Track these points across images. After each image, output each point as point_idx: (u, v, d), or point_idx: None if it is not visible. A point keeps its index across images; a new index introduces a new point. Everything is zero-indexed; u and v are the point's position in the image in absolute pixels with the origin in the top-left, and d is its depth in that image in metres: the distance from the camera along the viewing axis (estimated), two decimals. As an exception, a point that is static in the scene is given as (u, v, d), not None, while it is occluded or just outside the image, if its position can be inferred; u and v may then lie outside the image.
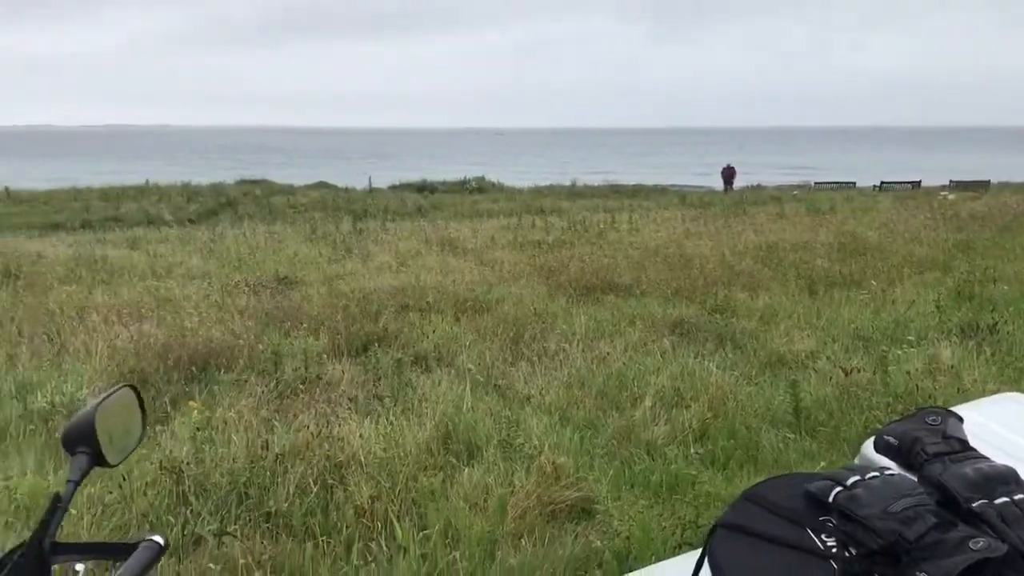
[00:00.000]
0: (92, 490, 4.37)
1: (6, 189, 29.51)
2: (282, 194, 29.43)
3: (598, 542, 3.80)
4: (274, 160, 78.79)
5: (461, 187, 34.25)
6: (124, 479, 4.13)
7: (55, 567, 1.24)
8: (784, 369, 6.90)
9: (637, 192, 34.50)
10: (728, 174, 37.66)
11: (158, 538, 1.33)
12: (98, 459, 1.28)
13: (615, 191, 34.80)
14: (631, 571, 1.75)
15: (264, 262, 12.81)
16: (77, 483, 1.25)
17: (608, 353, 7.20)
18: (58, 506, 1.21)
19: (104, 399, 1.32)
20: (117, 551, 1.32)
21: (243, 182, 34.60)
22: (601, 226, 16.61)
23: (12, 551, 1.21)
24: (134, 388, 1.43)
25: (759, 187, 38.42)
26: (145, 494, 4.11)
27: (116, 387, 1.39)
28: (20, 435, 5.40)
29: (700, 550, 1.39)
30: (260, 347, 7.35)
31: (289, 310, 8.90)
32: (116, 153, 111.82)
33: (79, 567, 1.28)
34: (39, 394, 6.15)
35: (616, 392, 6.17)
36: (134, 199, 26.85)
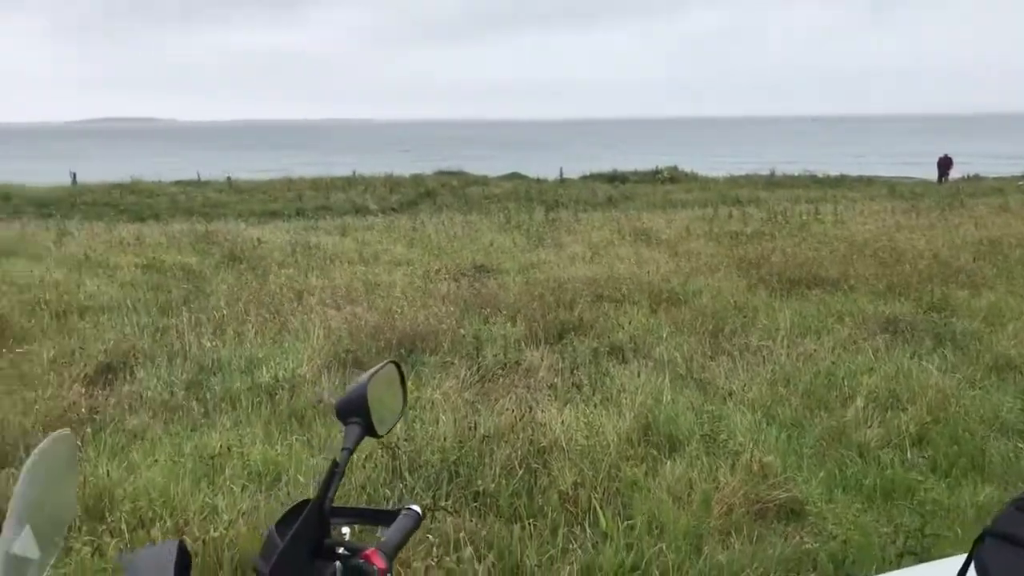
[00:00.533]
0: (314, 461, 4.68)
1: (228, 179, 32.00)
2: (477, 185, 30.26)
3: (811, 544, 3.66)
4: (469, 152, 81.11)
5: (653, 177, 33.88)
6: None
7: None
8: (1014, 374, 6.37)
9: (840, 182, 32.85)
10: (944, 164, 35.12)
11: (416, 508, 1.41)
12: (368, 429, 1.36)
13: (816, 181, 33.30)
14: None
15: (462, 250, 13.20)
16: (351, 451, 1.34)
17: (815, 350, 6.91)
18: (336, 471, 1.30)
19: (374, 373, 1.40)
20: (380, 517, 1.40)
21: (440, 173, 35.80)
22: (803, 217, 15.94)
23: (293, 510, 1.31)
24: (397, 364, 1.51)
25: (977, 177, 35.59)
26: (363, 467, 4.36)
27: (383, 363, 1.47)
28: (249, 406, 5.84)
29: (957, 559, 1.31)
30: (462, 332, 7.59)
31: (487, 297, 9.13)
32: (323, 146, 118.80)
33: (345, 529, 1.37)
34: (264, 369, 6.64)
35: (824, 391, 5.91)
36: (342, 189, 28.44)
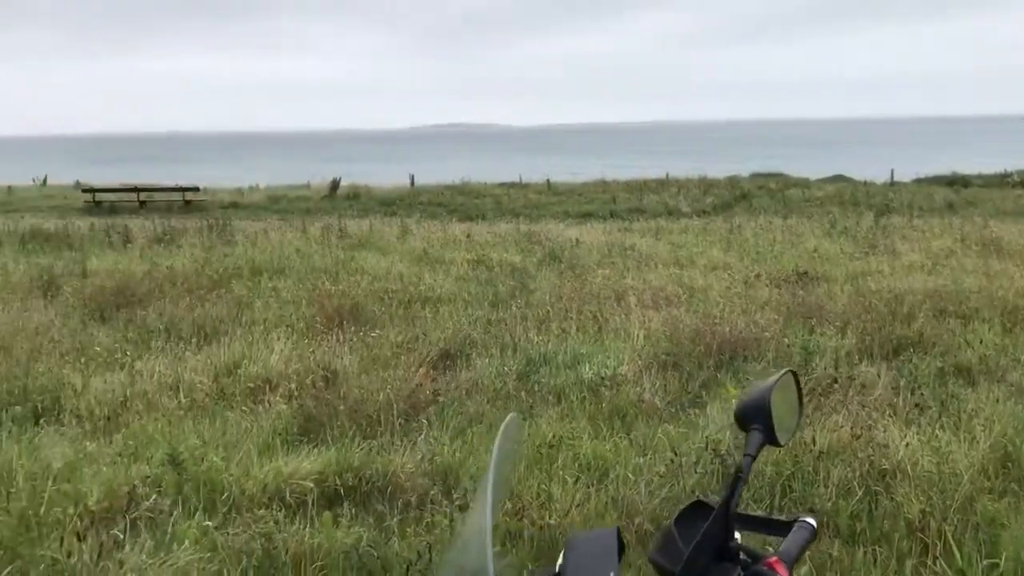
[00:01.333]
0: (641, 460, 4.74)
1: (547, 181, 33.28)
2: (797, 187, 28.93)
3: None
4: (788, 152, 78.06)
5: (1001, 180, 30.40)
6: (675, 454, 4.41)
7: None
8: None
9: None
10: None
11: (811, 520, 1.36)
12: (769, 437, 1.35)
13: None
14: None
15: (782, 256, 12.74)
16: (753, 457, 1.33)
17: None
18: (740, 477, 1.30)
19: (775, 381, 1.38)
20: (774, 527, 1.37)
21: (757, 175, 34.74)
22: None
23: (688, 509, 1.32)
24: (795, 373, 1.48)
25: None
26: (695, 471, 4.34)
27: (782, 371, 1.44)
28: (575, 400, 6.05)
29: None
30: (786, 341, 7.33)
31: (812, 306, 8.73)
32: (638, 148, 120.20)
33: (736, 535, 1.36)
34: (587, 366, 6.83)
35: None
36: (655, 191, 28.51)
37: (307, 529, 3.92)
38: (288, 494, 4.33)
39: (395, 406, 5.64)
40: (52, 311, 8.92)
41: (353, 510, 4.21)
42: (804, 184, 30.46)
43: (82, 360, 6.86)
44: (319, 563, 3.64)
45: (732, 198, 25.88)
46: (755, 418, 1.34)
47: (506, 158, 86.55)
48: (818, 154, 75.77)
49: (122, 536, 3.78)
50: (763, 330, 7.60)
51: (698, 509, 1.33)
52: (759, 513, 1.88)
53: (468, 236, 15.51)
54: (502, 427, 1.09)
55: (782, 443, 1.37)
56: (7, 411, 5.66)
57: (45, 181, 36.80)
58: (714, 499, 1.35)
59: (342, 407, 5.57)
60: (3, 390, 6.12)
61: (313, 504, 4.24)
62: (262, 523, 3.88)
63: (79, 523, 3.86)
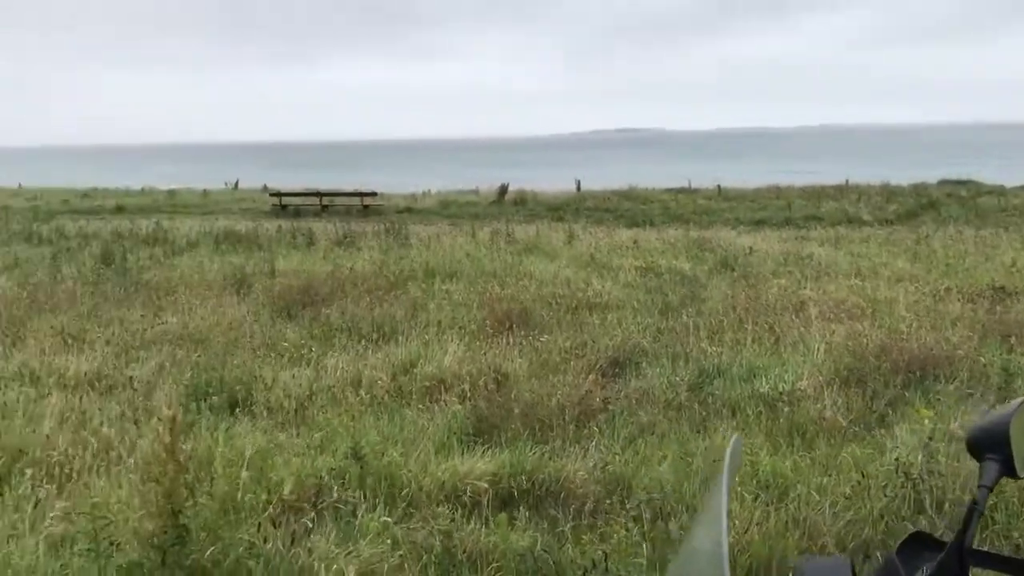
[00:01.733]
0: (824, 480, 4.54)
1: (718, 187, 32.49)
2: (991, 195, 26.98)
3: None
4: (982, 158, 72.96)
5: None
6: (862, 476, 4.20)
7: None
8: None
9: None
10: None
11: None
12: (1007, 468, 1.25)
13: None
14: None
15: (975, 269, 11.92)
16: (989, 489, 1.24)
17: None
18: (975, 510, 1.22)
19: (1016, 408, 1.29)
20: (1015, 567, 1.27)
21: (945, 182, 32.65)
22: None
23: (909, 540, 1.25)
24: (1035, 399, 1.37)
25: None
26: (884, 494, 4.11)
27: (1022, 398, 1.34)
28: (752, 415, 5.86)
29: None
30: (981, 360, 6.83)
31: (1011, 323, 8.11)
32: (812, 153, 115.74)
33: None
34: (764, 379, 6.61)
35: None
36: (833, 198, 27.25)
37: (482, 529, 3.99)
38: (464, 493, 4.42)
39: (566, 412, 5.66)
40: (244, 308, 9.53)
41: (527, 513, 4.25)
42: (999, 192, 28.33)
43: (272, 355, 7.29)
44: (495, 564, 3.70)
45: (918, 206, 24.40)
46: (992, 447, 1.25)
47: (672, 163, 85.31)
48: (1014, 160, 70.40)
49: (311, 525, 3.98)
50: (955, 348, 7.13)
51: (919, 540, 1.25)
52: (1000, 552, 1.76)
53: (635, 242, 15.37)
54: (729, 446, 1.07)
55: (1022, 476, 1.27)
56: (206, 400, 6.07)
57: (236, 185, 39.37)
58: (904, 526, 1.27)
59: (516, 410, 5.64)
60: (203, 380, 6.57)
61: (488, 505, 4.31)
62: (440, 520, 3.98)
63: (273, 510, 4.09)
